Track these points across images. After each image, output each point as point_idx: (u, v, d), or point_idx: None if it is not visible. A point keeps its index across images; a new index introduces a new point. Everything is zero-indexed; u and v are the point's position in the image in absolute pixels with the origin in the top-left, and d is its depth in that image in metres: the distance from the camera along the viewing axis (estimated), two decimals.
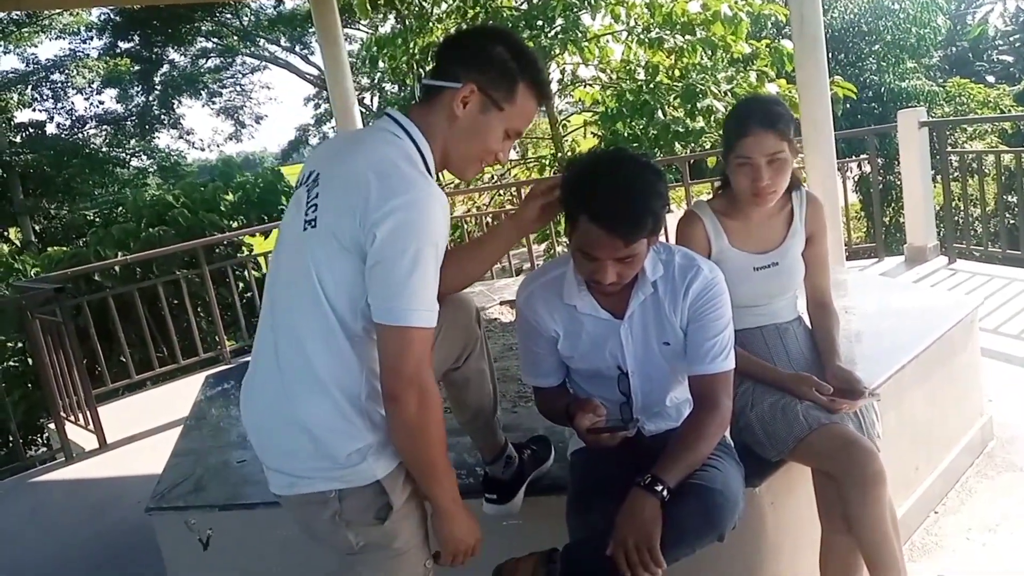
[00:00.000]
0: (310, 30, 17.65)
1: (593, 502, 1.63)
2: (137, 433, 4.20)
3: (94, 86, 18.46)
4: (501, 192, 9.30)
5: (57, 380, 4.29)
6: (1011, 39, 17.85)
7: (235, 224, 7.90)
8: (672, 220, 2.15)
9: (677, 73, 7.47)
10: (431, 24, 8.12)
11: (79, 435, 4.26)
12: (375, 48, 8.41)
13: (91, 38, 18.31)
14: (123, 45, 18.31)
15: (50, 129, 17.94)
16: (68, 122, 18.42)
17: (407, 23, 8.90)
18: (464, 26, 7.71)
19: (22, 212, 14.94)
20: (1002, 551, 2.25)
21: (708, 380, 1.66)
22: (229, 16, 18.60)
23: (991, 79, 16.35)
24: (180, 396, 4.04)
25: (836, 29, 13.29)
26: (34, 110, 18.26)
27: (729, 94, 6.91)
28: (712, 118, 6.83)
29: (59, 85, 18.18)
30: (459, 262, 1.56)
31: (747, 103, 2.07)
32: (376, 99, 18.38)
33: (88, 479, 3.87)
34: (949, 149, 5.93)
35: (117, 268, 6.85)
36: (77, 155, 16.72)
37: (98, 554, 3.03)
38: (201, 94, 20.11)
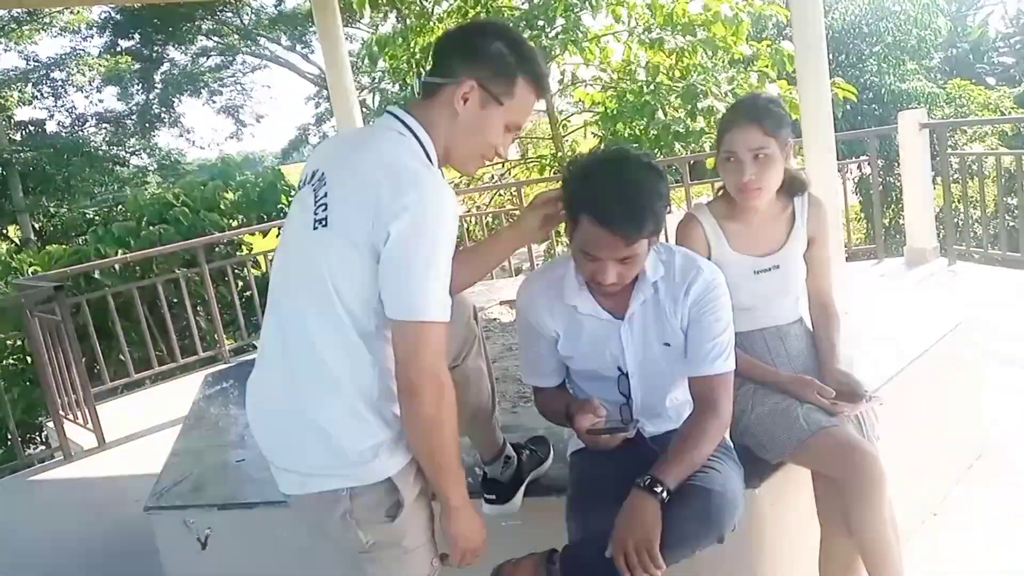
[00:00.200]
0: (311, 29, 17.67)
1: (593, 503, 1.62)
2: (136, 432, 4.20)
3: (94, 84, 18.41)
4: (501, 192, 9.30)
5: (56, 378, 4.28)
6: (1012, 41, 17.87)
7: (235, 223, 7.87)
8: (672, 221, 2.14)
9: (678, 74, 7.47)
10: (432, 23, 8.11)
11: (78, 434, 4.25)
12: (375, 47, 8.39)
13: (92, 36, 18.28)
14: (124, 43, 18.28)
15: (50, 127, 17.92)
16: (68, 120, 18.40)
17: (408, 22, 8.90)
18: None
19: (22, 210, 14.90)
20: (1002, 553, 2.25)
21: (708, 381, 1.66)
22: (230, 15, 18.59)
23: (991, 81, 16.38)
24: (179, 395, 4.03)
25: (837, 30, 13.30)
26: (34, 108, 18.24)
27: (730, 95, 6.92)
28: (713, 119, 6.82)
29: (59, 83, 18.13)
30: (456, 267, 1.56)
31: (740, 100, 2.09)
32: (376, 98, 18.36)
33: (87, 478, 3.86)
34: (949, 151, 5.92)
35: (117, 266, 6.83)
36: (77, 153, 16.66)
37: (96, 553, 3.03)
38: (201, 93, 20.05)
